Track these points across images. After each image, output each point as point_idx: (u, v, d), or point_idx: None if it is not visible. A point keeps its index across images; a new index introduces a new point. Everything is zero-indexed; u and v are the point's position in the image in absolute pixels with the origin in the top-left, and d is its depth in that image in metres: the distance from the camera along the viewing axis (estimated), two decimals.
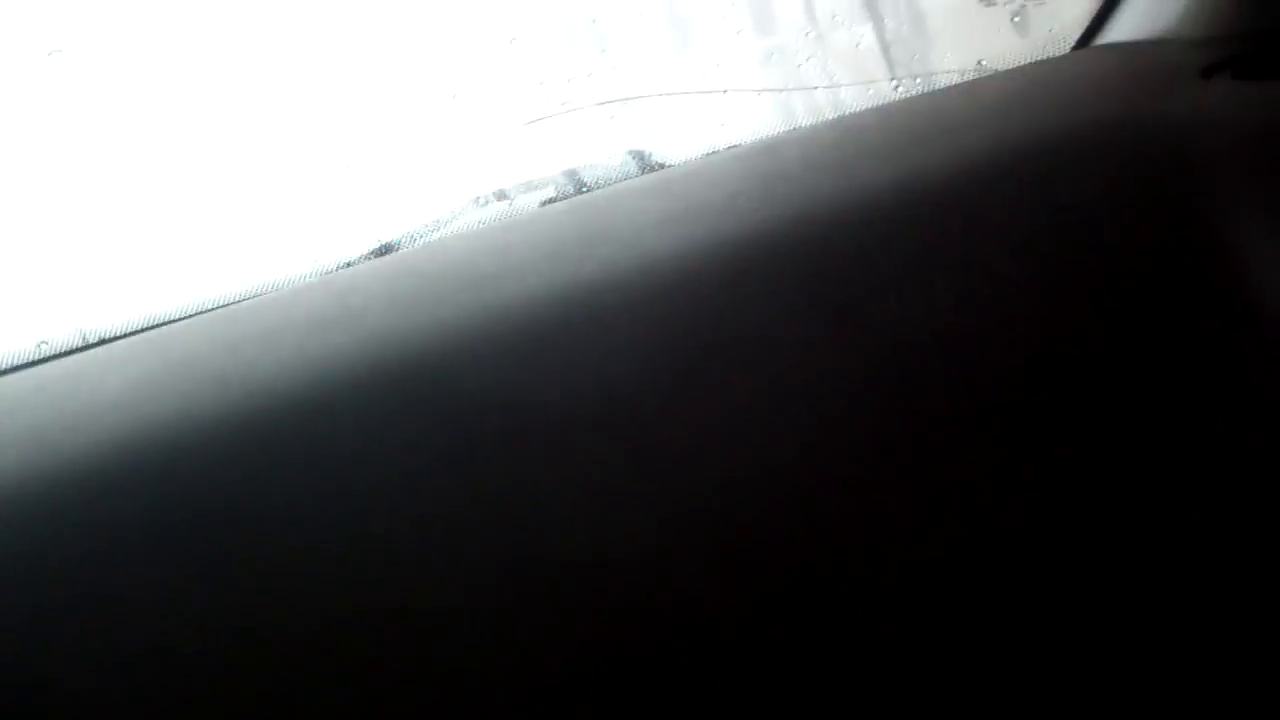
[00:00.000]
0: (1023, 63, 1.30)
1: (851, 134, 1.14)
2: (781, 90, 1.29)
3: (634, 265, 0.95)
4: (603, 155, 1.25)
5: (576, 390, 0.90)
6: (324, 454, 0.88)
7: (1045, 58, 1.31)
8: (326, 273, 1.23)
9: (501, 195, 1.26)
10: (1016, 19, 1.34)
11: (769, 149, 1.17)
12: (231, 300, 1.14)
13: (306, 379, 0.90)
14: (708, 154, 1.28)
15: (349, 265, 1.23)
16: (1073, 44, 1.31)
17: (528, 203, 1.24)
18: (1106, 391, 0.95)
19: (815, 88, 1.28)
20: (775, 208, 0.99)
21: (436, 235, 1.25)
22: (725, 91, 1.29)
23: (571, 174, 1.25)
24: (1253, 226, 0.95)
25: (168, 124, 1.33)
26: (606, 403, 0.90)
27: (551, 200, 1.25)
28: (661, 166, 1.24)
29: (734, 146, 1.29)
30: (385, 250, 1.24)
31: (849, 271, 0.95)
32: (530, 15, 1.37)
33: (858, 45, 1.32)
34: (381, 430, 0.88)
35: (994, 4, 1.33)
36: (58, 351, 1.08)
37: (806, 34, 1.32)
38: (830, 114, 1.27)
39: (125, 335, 1.09)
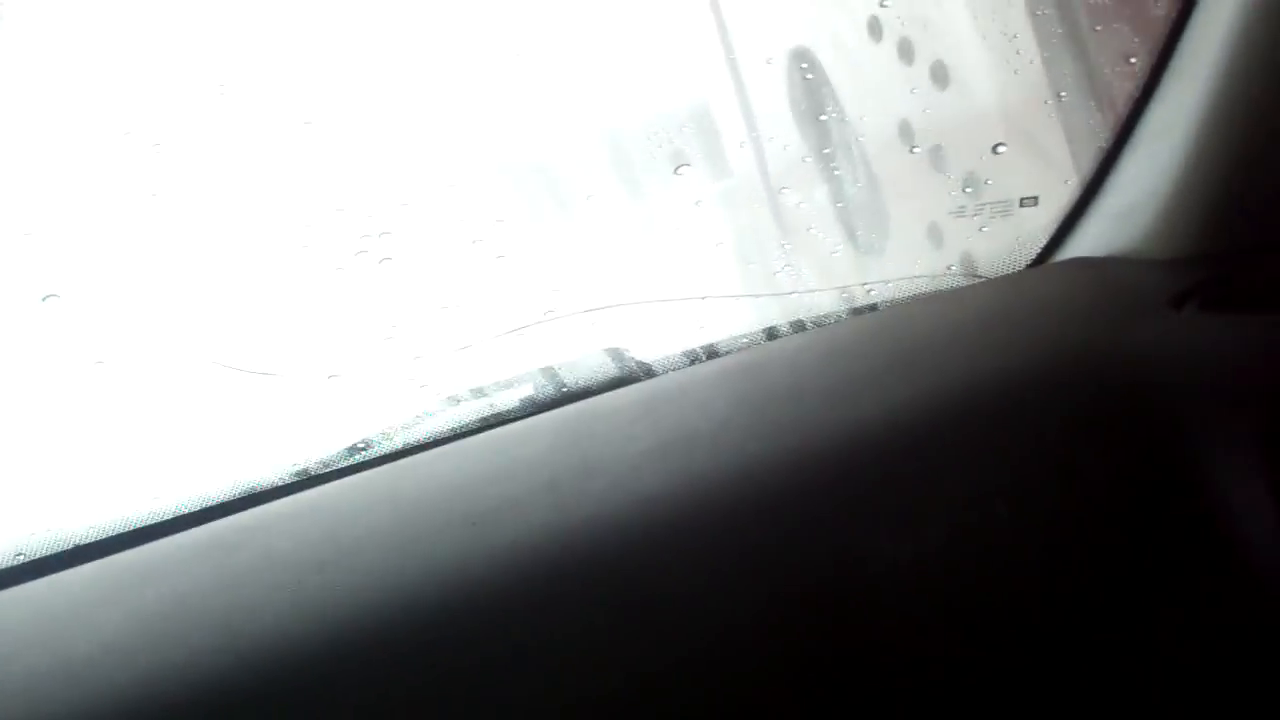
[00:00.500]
0: (991, 272, 1.34)
1: (833, 352, 1.16)
2: (758, 296, 1.32)
3: (628, 503, 0.94)
4: (580, 353, 1.28)
5: (580, 644, 0.88)
6: (330, 701, 0.85)
7: (1014, 271, 1.35)
8: (304, 473, 1.23)
9: (479, 393, 1.28)
10: (984, 229, 1.38)
11: (754, 366, 1.18)
12: (214, 502, 1.14)
13: (306, 626, 0.87)
14: (689, 361, 1.30)
15: (328, 469, 1.23)
16: (1036, 254, 1.35)
17: (506, 400, 1.25)
18: (1087, 627, 0.94)
19: (791, 293, 1.31)
20: (765, 440, 0.99)
21: (414, 435, 1.26)
22: (704, 298, 1.32)
23: (549, 372, 1.27)
24: (1223, 466, 0.95)
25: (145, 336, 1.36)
26: (609, 665, 0.88)
27: (531, 401, 1.26)
28: (638, 364, 1.25)
29: (713, 353, 1.31)
30: (362, 447, 1.25)
31: (842, 511, 0.94)
32: (515, 229, 1.42)
33: (832, 253, 1.36)
34: (378, 679, 0.86)
35: (964, 215, 1.37)
36: (34, 559, 1.07)
37: (783, 245, 1.36)
38: (806, 315, 1.30)
39: (106, 546, 1.09)
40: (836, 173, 1.40)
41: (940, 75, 1.59)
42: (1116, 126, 1.25)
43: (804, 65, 1.71)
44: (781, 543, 0.92)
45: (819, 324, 1.31)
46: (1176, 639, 0.92)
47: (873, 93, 1.61)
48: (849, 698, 0.90)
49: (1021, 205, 1.35)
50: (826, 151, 1.42)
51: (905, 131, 1.51)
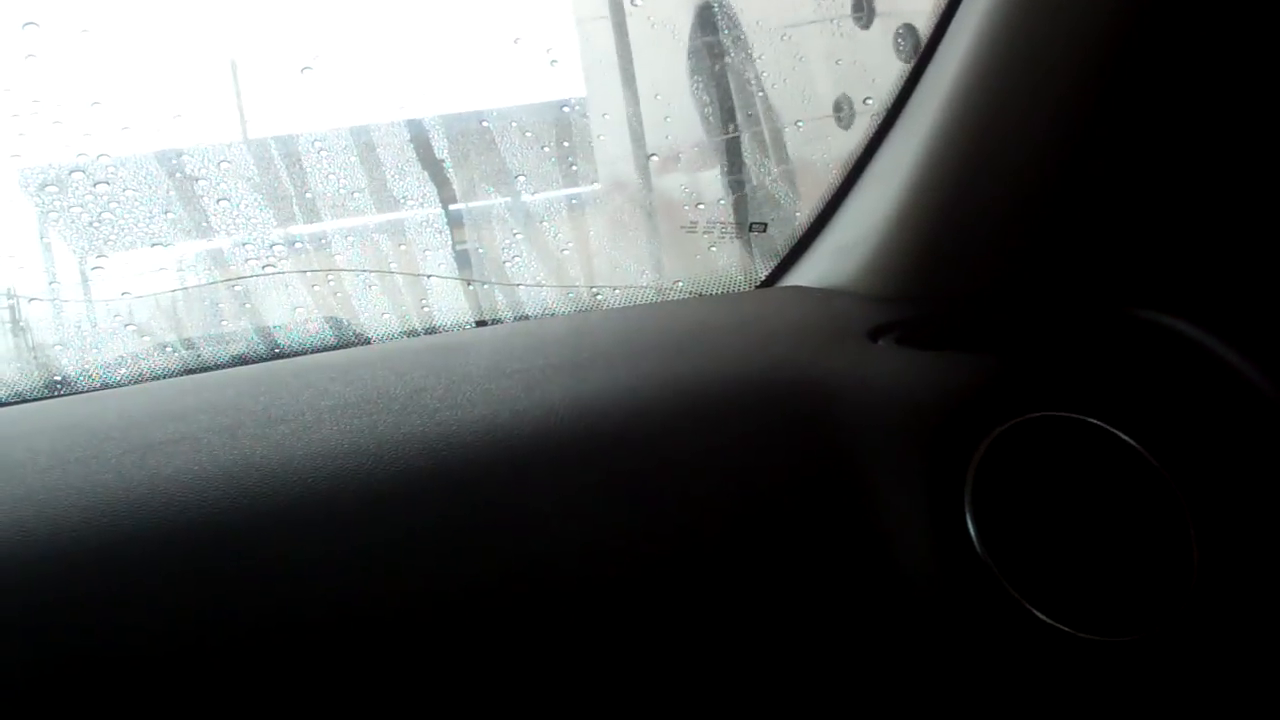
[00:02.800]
0: (714, 291, 1.37)
1: (543, 344, 1.17)
2: (484, 283, 1.31)
3: (307, 452, 0.94)
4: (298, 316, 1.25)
5: (235, 582, 0.87)
6: None
7: (734, 291, 1.39)
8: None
9: (189, 345, 1.23)
10: (713, 249, 1.41)
11: (463, 345, 1.19)
12: None
13: None
14: (406, 335, 1.29)
15: (19, 398, 1.18)
16: (761, 279, 1.40)
17: (215, 354, 1.21)
18: (741, 616, 0.95)
19: (518, 285, 1.31)
20: (456, 409, 0.99)
21: (116, 376, 1.21)
22: (429, 276, 1.31)
23: (264, 333, 1.24)
24: (886, 488, 0.99)
25: None
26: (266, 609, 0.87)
27: (240, 358, 1.23)
28: (355, 334, 1.24)
29: (431, 331, 1.30)
30: (59, 382, 1.19)
31: (521, 489, 0.95)
32: (241, 179, 1.36)
33: (563, 250, 1.36)
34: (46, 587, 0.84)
35: (694, 231, 1.40)
36: None
37: (514, 234, 1.36)
38: (532, 311, 1.31)
39: None
40: (573, 167, 1.40)
41: None
42: (846, 166, 1.31)
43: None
44: (458, 512, 0.92)
45: (540, 318, 1.32)
46: (826, 641, 0.95)
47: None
48: (518, 662, 0.90)
49: (750, 230, 1.39)
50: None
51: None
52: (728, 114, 1.46)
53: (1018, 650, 0.93)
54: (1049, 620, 0.93)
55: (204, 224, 1.37)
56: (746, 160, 1.43)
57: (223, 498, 0.89)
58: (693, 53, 1.58)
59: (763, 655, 0.94)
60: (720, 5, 1.49)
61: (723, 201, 1.40)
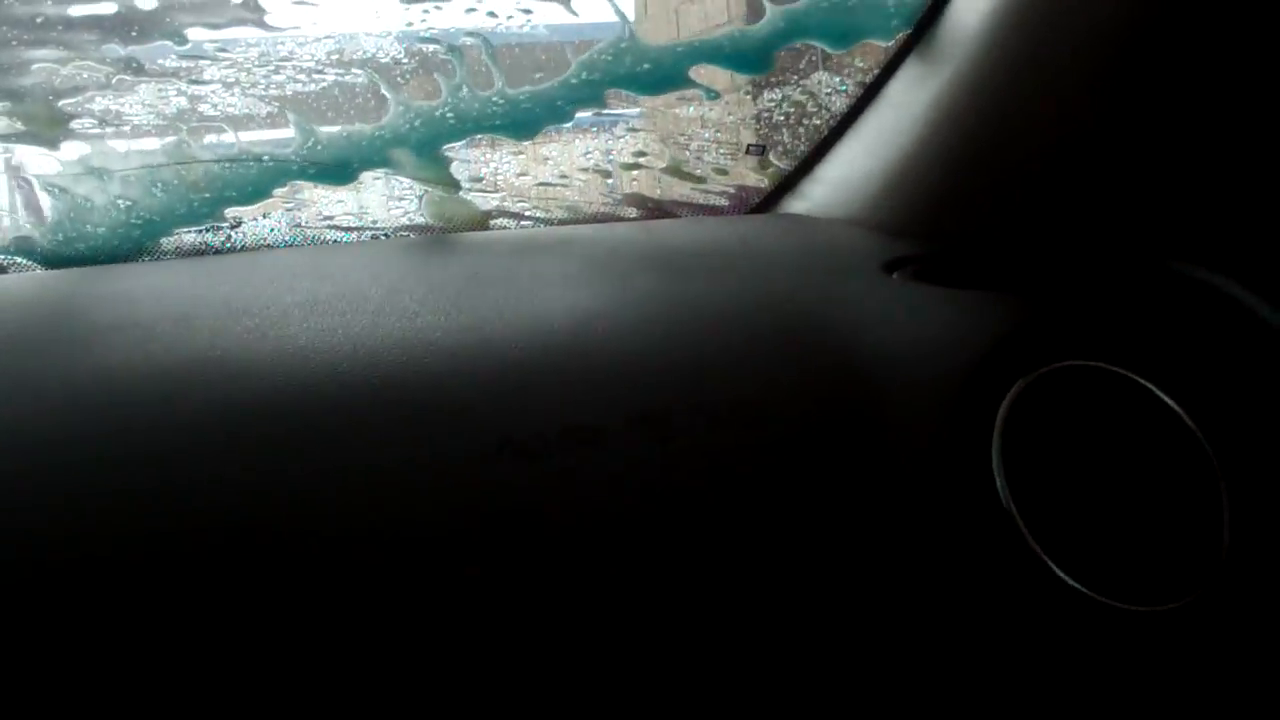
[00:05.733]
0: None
1: (528, 253, 1.13)
2: (473, 190, 1.23)
3: (272, 349, 0.89)
4: None
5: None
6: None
7: (737, 216, 1.34)
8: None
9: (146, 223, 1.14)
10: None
11: (439, 250, 1.14)
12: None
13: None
14: (378, 236, 1.21)
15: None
16: (755, 204, 1.35)
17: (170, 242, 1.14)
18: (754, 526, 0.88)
19: (503, 194, 1.24)
20: (437, 315, 0.95)
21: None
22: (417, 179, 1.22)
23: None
24: (912, 433, 0.94)
25: None
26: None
27: (196, 247, 1.15)
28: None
29: (405, 234, 1.22)
30: None
31: (514, 400, 0.89)
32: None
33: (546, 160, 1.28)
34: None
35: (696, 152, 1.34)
36: None
37: (517, 151, 1.27)
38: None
39: None
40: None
41: None
42: (855, 95, 1.25)
43: None
44: (443, 417, 0.87)
45: (523, 228, 1.28)
46: (843, 590, 0.89)
47: None
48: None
49: (747, 152, 1.32)
50: None
51: None
52: None
53: (1037, 608, 0.88)
54: (1071, 581, 0.88)
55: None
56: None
57: (175, 393, 0.84)
58: None
59: (777, 610, 0.87)
60: None
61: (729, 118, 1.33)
